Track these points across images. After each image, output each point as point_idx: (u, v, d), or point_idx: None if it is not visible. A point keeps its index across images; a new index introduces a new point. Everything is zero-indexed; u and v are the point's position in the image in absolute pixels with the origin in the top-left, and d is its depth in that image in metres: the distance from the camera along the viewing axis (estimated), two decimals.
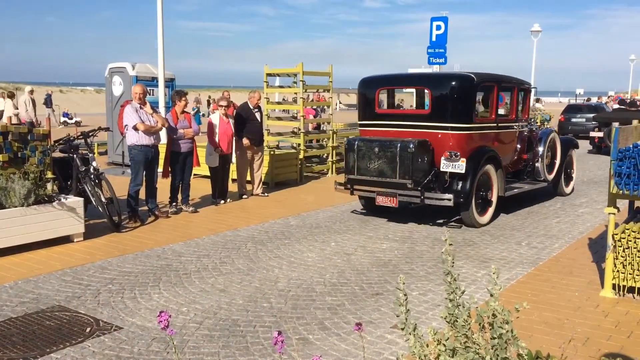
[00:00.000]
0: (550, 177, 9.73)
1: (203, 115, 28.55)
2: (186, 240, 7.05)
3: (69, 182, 7.76)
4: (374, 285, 5.43)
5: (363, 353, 2.96)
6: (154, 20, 12.33)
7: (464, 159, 7.52)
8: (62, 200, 6.78)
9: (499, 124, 8.51)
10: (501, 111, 9.00)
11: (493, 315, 2.01)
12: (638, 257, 4.94)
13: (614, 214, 5.12)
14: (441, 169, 7.67)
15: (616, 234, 5.03)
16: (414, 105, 11.25)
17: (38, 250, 6.43)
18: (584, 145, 17.77)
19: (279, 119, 13.48)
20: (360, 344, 3.99)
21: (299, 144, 12.36)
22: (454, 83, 7.87)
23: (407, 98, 34.39)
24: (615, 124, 5.19)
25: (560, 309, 4.81)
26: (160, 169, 8.39)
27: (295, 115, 12.87)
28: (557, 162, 9.95)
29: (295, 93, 12.84)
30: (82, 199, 7.09)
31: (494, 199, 8.20)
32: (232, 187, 10.02)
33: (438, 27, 16.14)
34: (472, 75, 7.94)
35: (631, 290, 5.05)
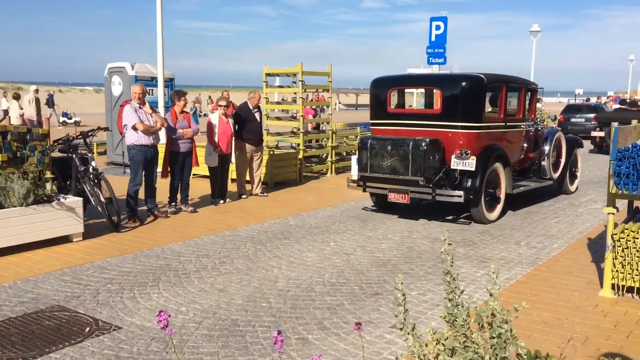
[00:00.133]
0: (556, 175, 9.97)
1: (204, 115, 28.55)
2: (185, 240, 7.05)
3: (68, 182, 7.75)
4: (373, 285, 5.43)
5: (362, 353, 2.97)
6: (153, 20, 12.33)
7: (474, 157, 7.73)
8: (61, 200, 6.77)
9: (507, 123, 8.73)
10: (509, 111, 9.21)
11: (492, 314, 2.01)
12: (637, 257, 4.94)
13: (613, 213, 5.13)
14: (452, 167, 7.86)
15: (615, 234, 5.03)
16: (414, 105, 11.34)
17: (37, 250, 6.42)
18: (584, 145, 17.80)
19: (279, 118, 13.48)
20: (360, 344, 3.99)
21: (298, 144, 12.36)
22: (464, 83, 8.08)
23: (407, 98, 34.37)
24: (615, 124, 5.20)
25: (559, 308, 4.81)
26: (159, 169, 8.39)
27: (295, 115, 12.87)
28: (563, 160, 10.18)
29: (295, 93, 12.84)
30: (81, 198, 7.09)
31: (502, 196, 8.40)
32: (232, 187, 10.02)
33: (437, 27, 16.14)
34: (482, 76, 8.14)
35: (630, 290, 5.06)
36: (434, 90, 9.67)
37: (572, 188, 10.68)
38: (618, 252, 5.03)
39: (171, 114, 8.50)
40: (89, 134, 8.24)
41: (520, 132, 9.11)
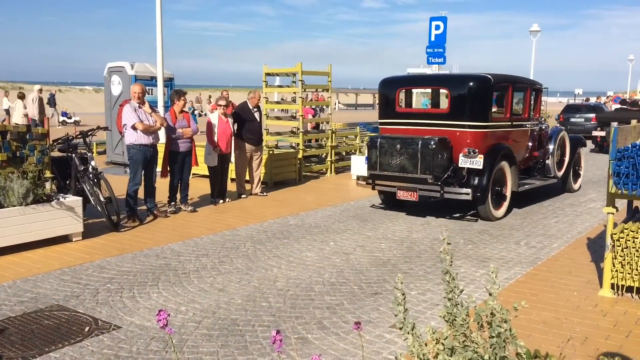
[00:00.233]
0: (560, 173, 10.15)
1: (205, 114, 28.55)
2: (185, 239, 7.05)
3: (67, 182, 7.75)
4: (373, 284, 5.43)
5: (362, 352, 2.97)
6: (153, 20, 12.32)
7: (482, 156, 7.87)
8: (61, 199, 6.77)
9: (513, 123, 8.87)
10: (515, 110, 9.35)
11: (491, 314, 2.01)
12: (636, 256, 4.94)
13: (613, 213, 5.13)
14: (459, 165, 7.99)
15: (615, 234, 5.03)
16: (414, 105, 11.39)
17: (36, 250, 6.42)
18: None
19: (278, 118, 13.49)
20: (359, 343, 4.00)
21: (298, 144, 12.37)
22: (472, 84, 8.23)
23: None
24: (614, 124, 5.20)
25: (558, 308, 4.81)
26: (159, 169, 8.39)
27: (294, 114, 12.88)
28: (567, 159, 10.37)
29: (294, 93, 12.84)
30: (81, 198, 7.08)
31: (508, 193, 8.54)
32: (231, 187, 10.01)
33: (437, 27, 16.16)
34: (489, 76, 8.28)
35: (630, 289, 5.06)
36: (442, 90, 9.79)
37: (576, 186, 10.84)
38: (617, 252, 5.03)
39: (170, 113, 8.49)
40: (89, 133, 8.24)
41: (525, 131, 9.27)
